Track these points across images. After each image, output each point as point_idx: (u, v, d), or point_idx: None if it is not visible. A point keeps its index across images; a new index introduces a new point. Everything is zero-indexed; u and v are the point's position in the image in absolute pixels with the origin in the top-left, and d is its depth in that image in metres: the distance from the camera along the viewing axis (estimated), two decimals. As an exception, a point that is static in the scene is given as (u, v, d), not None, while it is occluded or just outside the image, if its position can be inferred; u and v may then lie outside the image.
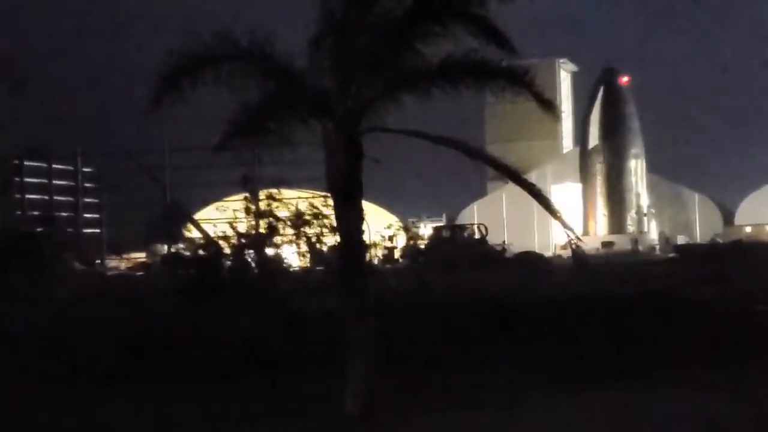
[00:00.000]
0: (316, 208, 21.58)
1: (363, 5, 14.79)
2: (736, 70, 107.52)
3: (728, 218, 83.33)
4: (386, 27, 14.74)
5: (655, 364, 18.50)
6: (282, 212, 21.99)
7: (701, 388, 16.64)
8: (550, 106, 15.46)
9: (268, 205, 21.97)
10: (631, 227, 76.74)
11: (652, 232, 78.31)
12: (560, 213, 15.95)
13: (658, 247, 74.50)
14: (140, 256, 57.98)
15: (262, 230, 21.93)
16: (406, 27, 14.70)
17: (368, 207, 15.98)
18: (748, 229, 72.94)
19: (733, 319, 20.65)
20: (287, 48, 14.94)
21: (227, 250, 22.27)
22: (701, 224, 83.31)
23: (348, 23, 14.68)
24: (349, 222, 15.36)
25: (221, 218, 23.31)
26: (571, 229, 16.00)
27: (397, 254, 46.15)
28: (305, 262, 23.89)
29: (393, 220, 61.27)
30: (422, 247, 52.37)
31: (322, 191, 19.93)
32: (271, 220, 21.77)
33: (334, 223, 16.47)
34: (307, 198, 22.64)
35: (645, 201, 78.17)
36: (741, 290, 24.06)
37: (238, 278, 21.77)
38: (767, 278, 27.29)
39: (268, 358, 18.55)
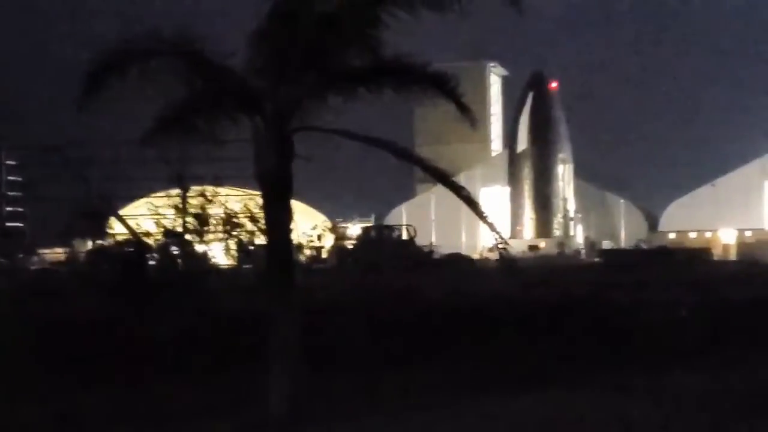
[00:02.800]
0: (247, 206, 21.50)
1: (298, 5, 14.76)
2: (664, 78, 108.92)
3: (653, 224, 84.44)
4: (316, 27, 14.73)
5: (578, 368, 18.63)
6: (212, 210, 21.88)
7: (622, 393, 16.78)
8: (468, 112, 15.53)
9: (200, 202, 21.84)
10: (557, 231, 77.41)
11: (578, 237, 79.09)
12: (488, 216, 16.07)
13: (583, 251, 75.25)
14: (62, 251, 57.24)
15: (190, 227, 21.79)
16: (334, 30, 14.72)
17: (297, 206, 15.94)
18: (672, 236, 73.92)
19: (656, 325, 20.87)
20: (226, 46, 14.87)
21: (154, 247, 22.10)
22: (626, 230, 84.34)
23: (280, 22, 14.64)
24: (278, 221, 15.31)
25: (148, 215, 23.12)
26: (498, 233, 16.13)
27: (324, 254, 46.15)
28: (233, 260, 23.78)
29: (321, 219, 61.25)
30: (350, 247, 52.48)
31: (253, 189, 19.86)
32: (199, 217, 21.64)
33: (263, 222, 16.40)
34: (237, 196, 22.55)
35: (572, 206, 78.93)
36: (664, 296, 24.33)
37: (164, 276, 21.61)
38: (690, 284, 27.63)
39: (193, 357, 18.42)
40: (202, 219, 21.72)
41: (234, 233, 22.01)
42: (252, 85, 14.97)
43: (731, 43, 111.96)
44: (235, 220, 21.81)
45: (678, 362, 18.97)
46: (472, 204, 15.99)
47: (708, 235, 72.66)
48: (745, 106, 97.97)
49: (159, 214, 22.38)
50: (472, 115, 15.67)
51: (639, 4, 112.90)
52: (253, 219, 21.42)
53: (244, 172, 16.40)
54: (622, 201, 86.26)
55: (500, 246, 16.37)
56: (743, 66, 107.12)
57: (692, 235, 73.21)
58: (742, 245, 68.81)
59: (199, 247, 22.37)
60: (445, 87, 15.25)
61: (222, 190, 23.44)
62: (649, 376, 17.99)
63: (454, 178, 16.39)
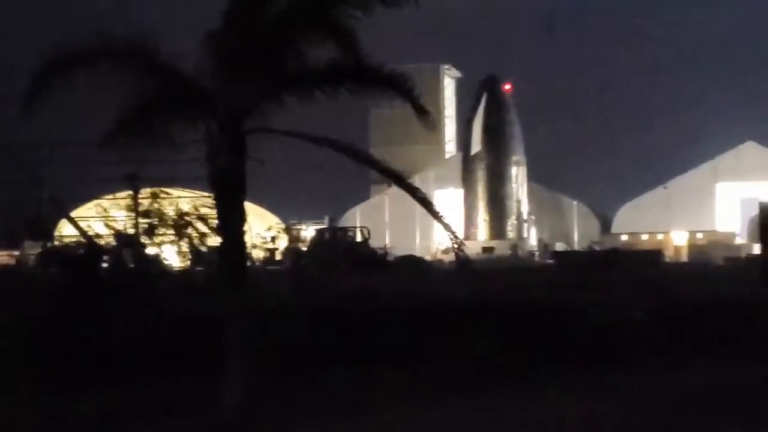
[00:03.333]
0: (197, 208, 21.43)
1: (251, 5, 14.71)
2: (617, 80, 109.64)
3: (605, 226, 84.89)
4: (271, 28, 14.71)
5: (532, 370, 18.68)
6: (164, 211, 21.79)
7: (575, 395, 16.86)
8: (425, 114, 15.55)
9: (150, 203, 21.74)
10: (511, 233, 77.63)
11: (532, 239, 79.38)
12: (443, 216, 16.09)
13: (537, 253, 75.54)
14: (10, 252, 56.74)
15: (141, 229, 21.70)
16: (289, 30, 14.69)
17: (251, 208, 15.89)
18: (625, 238, 74.33)
19: (609, 326, 20.95)
20: (182, 48, 14.80)
21: (106, 249, 21.96)
22: (579, 232, 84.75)
23: (234, 23, 14.59)
24: (231, 222, 15.26)
25: (100, 216, 22.98)
26: (453, 232, 16.17)
27: (278, 256, 45.97)
28: (186, 262, 23.69)
29: (275, 221, 61.10)
30: (304, 249, 52.37)
31: (207, 191, 19.78)
32: (151, 219, 21.54)
33: (216, 223, 16.34)
34: (189, 197, 22.46)
35: (525, 207, 79.18)
36: (616, 297, 24.45)
37: (116, 278, 21.48)
38: (642, 286, 27.79)
39: (145, 359, 18.30)
40: (152, 221, 21.61)
41: (185, 235, 21.91)
42: (205, 86, 14.91)
43: (684, 48, 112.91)
44: (186, 221, 21.71)
45: (630, 363, 19.11)
46: (426, 204, 16.03)
47: (660, 236, 73.11)
48: (697, 110, 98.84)
49: (109, 216, 22.26)
50: (430, 118, 15.70)
51: (594, 10, 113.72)
52: (203, 220, 21.34)
53: (197, 173, 16.33)
54: (575, 203, 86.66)
55: (456, 245, 16.40)
56: (695, 71, 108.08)
57: (644, 236, 73.58)
58: (693, 247, 69.32)
59: (151, 249, 22.26)
60: (402, 89, 15.26)
61: (174, 191, 23.35)
62: (600, 377, 18.10)
63: (408, 180, 16.40)
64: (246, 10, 14.58)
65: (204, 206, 21.27)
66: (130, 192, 22.40)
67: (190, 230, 21.69)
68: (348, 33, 14.77)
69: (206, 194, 19.36)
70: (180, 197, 23.17)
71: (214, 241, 19.48)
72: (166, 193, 22.27)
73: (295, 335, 19.53)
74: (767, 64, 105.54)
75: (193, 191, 23.92)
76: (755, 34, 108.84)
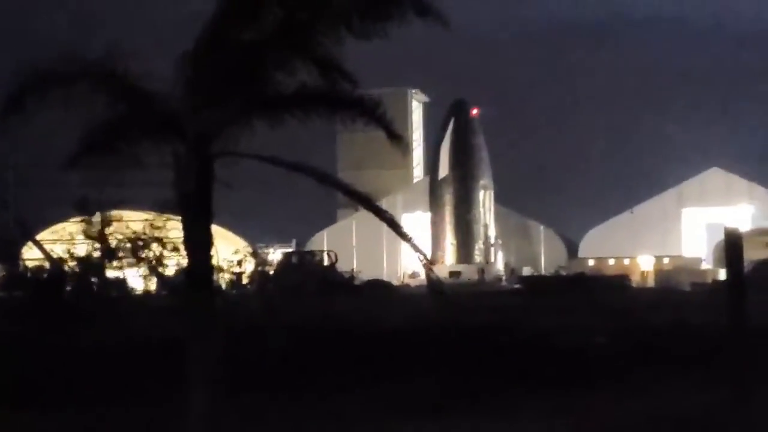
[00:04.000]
0: (157, 230, 21.33)
1: (223, 30, 14.71)
2: (585, 106, 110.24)
3: (572, 251, 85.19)
4: (243, 52, 14.71)
5: (498, 393, 18.70)
6: (122, 235, 21.69)
7: (537, 418, 16.89)
8: (398, 139, 15.58)
9: (105, 228, 21.63)
10: (478, 257, 77.73)
11: (499, 263, 79.49)
12: (411, 238, 16.10)
13: (504, 277, 75.66)
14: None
15: (100, 253, 21.59)
16: (261, 55, 14.70)
17: (217, 231, 15.83)
18: (592, 262, 74.60)
19: (574, 350, 21.02)
20: (155, 69, 14.78)
21: (68, 273, 21.84)
22: (546, 256, 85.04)
23: (205, 47, 14.58)
24: (198, 245, 15.19)
25: (62, 239, 22.87)
26: (423, 253, 16.18)
27: (245, 279, 45.79)
28: (149, 285, 23.58)
29: (242, 245, 60.84)
30: (271, 272, 52.20)
31: (172, 213, 19.73)
32: (110, 243, 21.44)
33: (177, 246, 16.31)
34: (150, 220, 22.35)
35: (492, 232, 79.34)
36: (582, 322, 24.52)
37: (79, 301, 21.35)
38: (608, 311, 27.89)
39: (110, 383, 18.18)
40: (110, 244, 21.50)
41: (146, 258, 21.82)
42: (174, 108, 14.87)
43: (650, 75, 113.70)
44: (143, 243, 21.62)
45: (593, 387, 19.14)
46: (394, 226, 16.03)
47: (626, 261, 73.45)
48: (663, 135, 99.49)
49: (74, 240, 22.14)
50: (402, 142, 15.73)
51: (560, 35, 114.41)
52: (160, 242, 21.26)
53: (159, 195, 16.28)
54: (542, 227, 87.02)
55: (426, 267, 16.42)
56: (661, 97, 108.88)
57: (611, 261, 73.95)
58: (659, 271, 69.66)
59: (115, 273, 22.15)
60: (374, 113, 15.27)
61: (131, 214, 23.28)
62: (563, 401, 18.13)
63: (375, 204, 16.41)
64: (218, 35, 14.58)
65: (159, 228, 21.17)
66: (85, 217, 22.24)
67: (147, 253, 21.57)
68: (327, 59, 14.78)
69: (166, 216, 19.29)
70: (144, 220, 23.05)
71: (174, 263, 19.42)
72: (119, 217, 22.17)
73: (262, 359, 19.47)
74: (731, 92, 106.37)
75: (150, 213, 23.80)
76: (719, 62, 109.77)
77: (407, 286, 62.20)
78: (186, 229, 15.37)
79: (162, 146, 14.90)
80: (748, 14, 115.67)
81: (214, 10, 14.57)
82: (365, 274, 65.28)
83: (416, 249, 16.09)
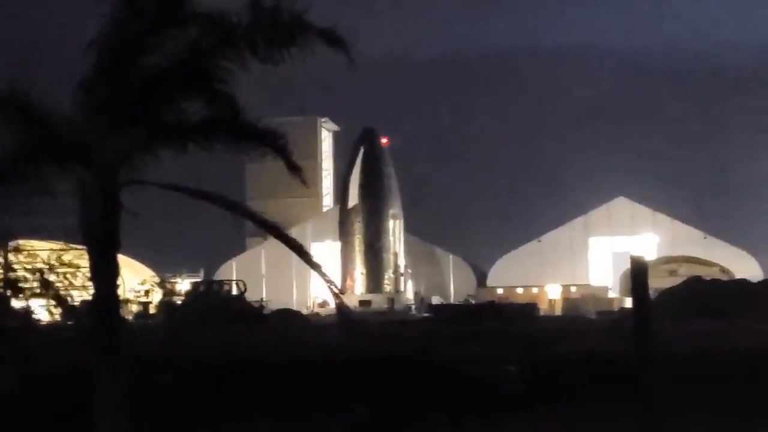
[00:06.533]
0: (62, 260, 21.02)
1: (124, 57, 14.56)
2: (493, 135, 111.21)
3: (481, 280, 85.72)
4: (146, 80, 14.57)
5: (407, 424, 18.67)
6: (29, 265, 21.33)
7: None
8: (298, 170, 15.56)
9: (11, 256, 21.26)
10: (388, 286, 77.80)
11: (409, 292, 79.65)
12: (321, 267, 16.06)
13: (413, 306, 75.81)
14: None
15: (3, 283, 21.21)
16: (165, 83, 14.58)
17: (124, 260, 15.62)
18: (500, 291, 75.14)
19: (482, 379, 21.06)
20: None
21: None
22: (455, 285, 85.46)
23: (106, 74, 14.42)
24: (104, 275, 14.97)
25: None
26: (332, 283, 16.15)
27: (152, 309, 45.33)
28: (55, 316, 23.18)
29: (149, 274, 60.25)
30: (179, 302, 51.76)
31: (73, 242, 19.45)
32: (13, 272, 21.07)
33: (84, 276, 16.07)
34: (57, 250, 22.02)
35: (402, 261, 79.49)
36: (491, 350, 24.61)
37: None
38: (517, 339, 28.04)
39: (11, 418, 17.80)
40: (15, 274, 21.14)
41: (50, 288, 21.45)
42: (79, 136, 14.68)
43: (557, 105, 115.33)
44: (51, 274, 21.27)
45: (505, 416, 19.20)
46: (304, 255, 15.98)
47: (535, 290, 74.10)
48: (570, 166, 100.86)
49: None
50: (302, 174, 15.71)
51: (472, 63, 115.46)
52: (68, 272, 20.95)
53: (67, 223, 16.04)
54: (451, 256, 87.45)
55: (336, 296, 16.39)
56: (568, 127, 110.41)
57: (519, 290, 74.56)
58: (567, 300, 70.36)
59: (19, 303, 21.75)
60: (276, 144, 15.24)
61: (37, 244, 22.91)
62: (476, 430, 18.16)
63: (285, 232, 16.35)
64: (116, 60, 14.42)
65: (64, 258, 20.87)
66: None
67: (53, 283, 21.22)
68: (223, 89, 14.71)
69: (74, 246, 19.01)
70: (51, 249, 22.71)
71: (81, 294, 19.12)
72: (20, 246, 21.79)
73: (171, 390, 19.23)
74: (637, 123, 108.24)
75: (57, 243, 23.46)
76: (627, 93, 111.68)
77: (317, 315, 62.03)
78: (92, 258, 15.14)
79: (69, 175, 14.71)
80: (657, 47, 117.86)
81: (111, 34, 14.42)
82: (275, 303, 65.03)
83: (325, 278, 16.05)
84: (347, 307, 16.92)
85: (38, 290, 21.43)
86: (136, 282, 30.28)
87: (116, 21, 14.38)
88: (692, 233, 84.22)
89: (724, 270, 77.17)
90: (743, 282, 56.76)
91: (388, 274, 78.19)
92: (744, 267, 76.44)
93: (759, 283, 55.60)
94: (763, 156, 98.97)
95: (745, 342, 25.85)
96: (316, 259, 16.44)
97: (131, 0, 14.45)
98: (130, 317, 27.62)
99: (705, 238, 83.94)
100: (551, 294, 73.35)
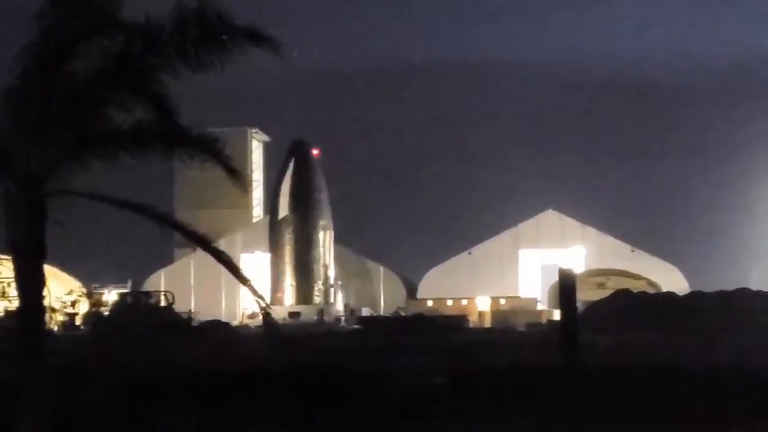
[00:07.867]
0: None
1: (51, 65, 14.40)
2: (423, 146, 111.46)
3: (411, 292, 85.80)
4: (73, 89, 14.42)
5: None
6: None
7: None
8: (238, 176, 15.49)
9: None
10: (318, 298, 77.63)
11: (339, 304, 79.53)
12: (250, 281, 15.97)
13: (343, 318, 75.71)
14: None
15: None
16: (92, 91, 14.43)
17: (50, 271, 15.44)
18: (430, 303, 75.26)
19: (410, 391, 21.09)
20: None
21: None
22: (386, 297, 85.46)
23: (32, 82, 14.25)
24: (29, 286, 14.78)
25: None
26: (261, 297, 16.05)
27: (78, 320, 44.88)
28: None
29: (76, 285, 59.65)
30: (105, 313, 51.32)
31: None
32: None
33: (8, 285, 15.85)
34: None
35: (332, 272, 79.37)
36: (419, 362, 24.67)
37: None
38: (446, 351, 28.12)
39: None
40: None
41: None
42: (3, 146, 14.49)
43: (487, 118, 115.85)
44: None
45: (434, 427, 19.24)
46: (232, 268, 15.88)
47: (464, 302, 74.32)
48: (500, 178, 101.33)
49: None
50: (241, 179, 15.65)
51: (400, 73, 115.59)
52: None
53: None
54: (381, 268, 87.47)
55: (263, 310, 16.28)
56: (499, 139, 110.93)
57: (449, 302, 74.71)
58: (496, 312, 70.65)
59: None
60: (212, 150, 15.14)
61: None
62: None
63: (214, 244, 16.25)
64: (43, 67, 14.26)
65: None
66: None
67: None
68: (160, 96, 14.60)
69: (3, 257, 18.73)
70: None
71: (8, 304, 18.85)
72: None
73: (97, 403, 19.05)
74: (567, 136, 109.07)
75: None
76: (557, 106, 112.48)
77: (246, 326, 61.73)
78: (17, 268, 14.95)
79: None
80: (585, 60, 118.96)
81: (39, 41, 14.25)
82: (204, 315, 64.63)
83: (254, 292, 15.93)
84: (274, 320, 16.82)
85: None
86: (63, 292, 29.93)
87: (44, 29, 14.23)
88: (620, 246, 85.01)
89: (651, 283, 78.06)
90: (670, 295, 57.60)
91: (318, 286, 78.02)
92: (671, 280, 77.35)
93: (685, 296, 56.43)
94: (690, 170, 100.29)
95: (671, 354, 26.18)
96: (245, 270, 16.36)
97: (59, 7, 14.31)
98: (56, 328, 27.28)
99: (633, 251, 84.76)
100: (481, 306, 73.60)
